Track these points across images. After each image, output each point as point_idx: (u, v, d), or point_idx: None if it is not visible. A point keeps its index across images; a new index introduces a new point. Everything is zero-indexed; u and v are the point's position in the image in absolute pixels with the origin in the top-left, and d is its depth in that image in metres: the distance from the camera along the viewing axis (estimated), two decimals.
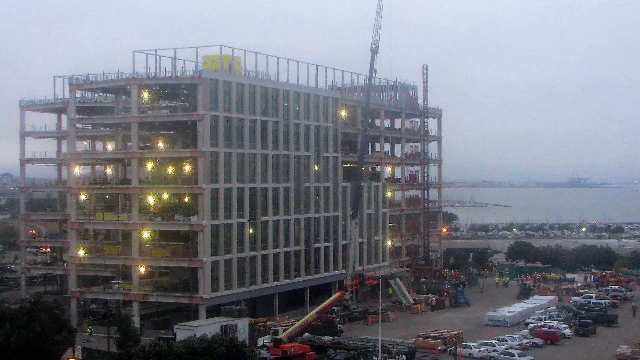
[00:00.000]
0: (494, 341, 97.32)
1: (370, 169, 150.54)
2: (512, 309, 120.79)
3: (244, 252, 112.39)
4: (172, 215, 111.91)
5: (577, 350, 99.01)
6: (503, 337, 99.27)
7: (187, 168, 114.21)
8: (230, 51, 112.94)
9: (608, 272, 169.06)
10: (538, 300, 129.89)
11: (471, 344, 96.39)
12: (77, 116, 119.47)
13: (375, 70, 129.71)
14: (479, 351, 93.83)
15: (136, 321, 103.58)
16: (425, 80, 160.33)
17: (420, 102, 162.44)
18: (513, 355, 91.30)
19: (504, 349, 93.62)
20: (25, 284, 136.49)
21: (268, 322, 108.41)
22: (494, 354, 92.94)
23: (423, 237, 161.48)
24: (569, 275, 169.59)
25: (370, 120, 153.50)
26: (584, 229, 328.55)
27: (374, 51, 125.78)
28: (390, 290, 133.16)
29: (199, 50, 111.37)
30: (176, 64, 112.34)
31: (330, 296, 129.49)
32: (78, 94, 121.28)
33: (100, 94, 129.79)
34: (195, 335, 76.32)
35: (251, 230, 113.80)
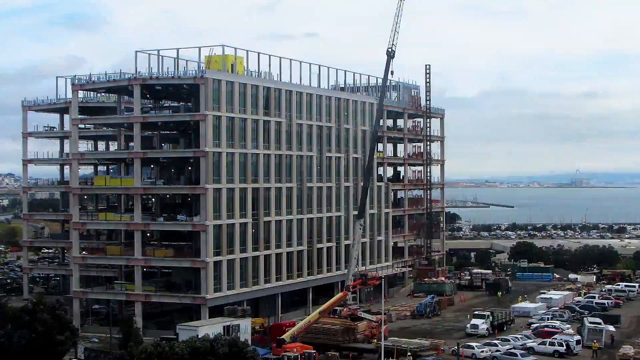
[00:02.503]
0: (496, 341, 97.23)
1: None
2: (536, 302, 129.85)
3: (247, 252, 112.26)
4: (174, 215, 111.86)
5: (579, 351, 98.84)
6: (506, 337, 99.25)
7: (189, 168, 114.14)
8: (232, 51, 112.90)
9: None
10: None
11: (474, 344, 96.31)
12: (80, 116, 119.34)
13: (392, 72, 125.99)
14: (482, 351, 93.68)
15: (139, 321, 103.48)
16: (427, 81, 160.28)
17: (423, 102, 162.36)
18: (516, 355, 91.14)
19: (507, 349, 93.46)
20: (28, 283, 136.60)
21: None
22: (497, 354, 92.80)
23: (425, 237, 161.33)
24: (571, 276, 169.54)
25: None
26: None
27: (390, 55, 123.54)
28: None
29: (202, 50, 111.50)
30: (178, 64, 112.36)
31: (333, 296, 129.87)
32: (80, 94, 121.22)
33: (103, 94, 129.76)
34: (197, 335, 76.27)
35: (253, 230, 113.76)
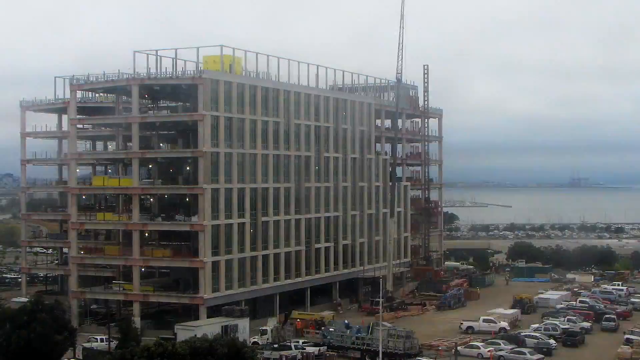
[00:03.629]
0: (499, 341, 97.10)
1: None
2: (555, 294, 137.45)
3: (245, 252, 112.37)
4: (172, 215, 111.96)
5: (580, 350, 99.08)
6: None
7: (187, 168, 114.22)
8: (230, 51, 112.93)
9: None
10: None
11: (480, 344, 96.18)
12: (78, 116, 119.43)
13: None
14: (489, 351, 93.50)
15: (137, 321, 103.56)
16: (425, 81, 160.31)
17: (421, 102, 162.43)
18: (524, 353, 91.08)
19: (511, 349, 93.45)
20: (26, 284, 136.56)
21: None
22: (502, 352, 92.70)
23: (423, 238, 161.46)
24: (569, 276, 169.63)
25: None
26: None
27: (399, 80, 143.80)
28: None
29: (200, 50, 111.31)
30: (177, 64, 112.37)
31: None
32: (79, 94, 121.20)
33: (101, 94, 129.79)
34: (196, 335, 76.36)
35: (251, 230, 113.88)
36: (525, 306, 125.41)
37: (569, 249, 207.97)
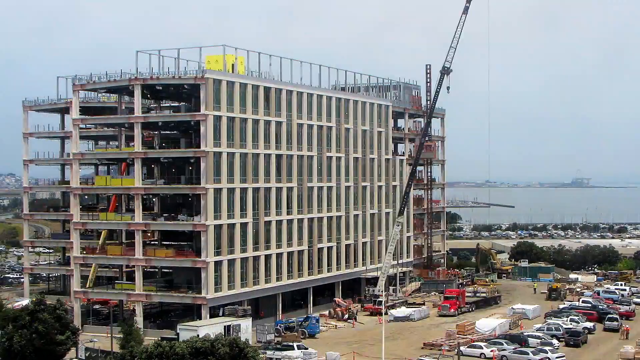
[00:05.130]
0: (502, 341, 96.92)
1: None
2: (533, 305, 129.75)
3: (247, 252, 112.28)
4: (175, 215, 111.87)
5: (582, 350, 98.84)
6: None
7: (190, 168, 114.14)
8: (233, 51, 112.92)
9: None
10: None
11: (482, 344, 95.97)
12: (80, 116, 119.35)
13: (448, 88, 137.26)
14: (491, 350, 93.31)
15: (139, 321, 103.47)
16: (428, 80, 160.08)
17: (424, 102, 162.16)
18: (527, 353, 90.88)
19: (514, 349, 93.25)
20: (29, 284, 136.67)
21: None
22: (505, 352, 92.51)
23: (426, 237, 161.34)
24: (572, 275, 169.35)
25: None
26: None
27: (446, 71, 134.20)
28: None
29: (202, 50, 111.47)
30: (179, 64, 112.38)
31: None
32: (81, 94, 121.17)
33: (104, 94, 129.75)
34: (198, 335, 76.26)
35: (254, 230, 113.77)
36: (560, 294, 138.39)
37: (571, 249, 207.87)
